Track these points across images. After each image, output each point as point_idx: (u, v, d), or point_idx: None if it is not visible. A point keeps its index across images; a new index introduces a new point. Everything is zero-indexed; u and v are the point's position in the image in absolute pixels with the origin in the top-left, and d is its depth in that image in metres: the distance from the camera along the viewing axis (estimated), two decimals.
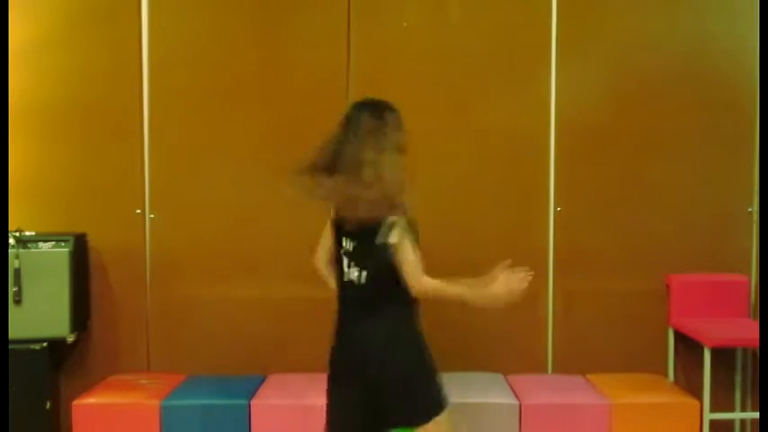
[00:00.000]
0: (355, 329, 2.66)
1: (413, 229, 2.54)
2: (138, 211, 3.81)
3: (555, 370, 3.88)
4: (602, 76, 3.88)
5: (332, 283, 2.80)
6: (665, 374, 3.84)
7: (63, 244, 3.57)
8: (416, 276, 2.49)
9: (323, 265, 2.81)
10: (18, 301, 3.51)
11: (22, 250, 3.53)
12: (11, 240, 3.52)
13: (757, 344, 3.42)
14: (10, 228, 3.55)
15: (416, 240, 2.54)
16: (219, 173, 3.83)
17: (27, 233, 3.59)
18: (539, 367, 3.88)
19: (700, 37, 3.86)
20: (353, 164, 2.52)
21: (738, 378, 3.88)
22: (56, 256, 3.55)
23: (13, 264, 3.50)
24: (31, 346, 3.53)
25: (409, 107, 3.79)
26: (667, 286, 3.85)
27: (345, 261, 2.65)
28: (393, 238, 2.47)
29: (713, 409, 3.57)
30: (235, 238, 3.84)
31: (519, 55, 3.85)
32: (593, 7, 3.86)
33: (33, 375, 3.51)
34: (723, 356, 3.76)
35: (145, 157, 3.81)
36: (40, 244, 3.56)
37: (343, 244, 2.65)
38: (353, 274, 2.62)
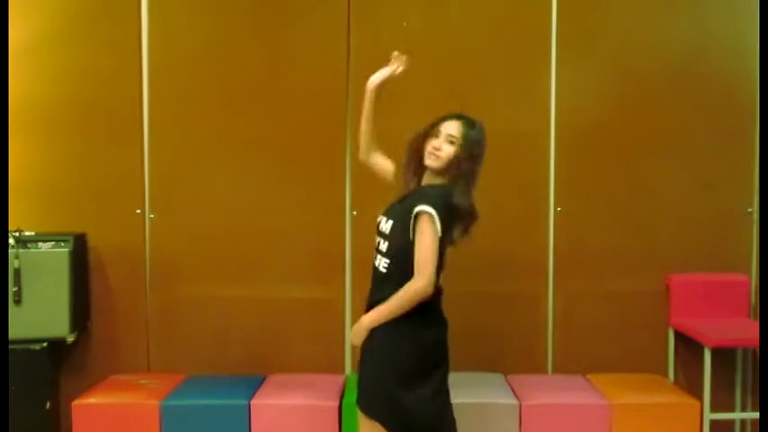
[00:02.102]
0: None
1: None
2: (138, 211, 3.82)
3: (555, 370, 3.88)
4: (602, 75, 3.88)
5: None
6: (665, 374, 3.84)
7: (63, 244, 3.57)
8: None
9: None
10: (18, 301, 3.51)
11: (22, 250, 3.53)
12: (11, 240, 3.52)
13: (757, 344, 3.42)
14: (10, 228, 3.55)
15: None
16: (219, 173, 3.83)
17: (27, 233, 3.59)
18: (539, 367, 3.88)
19: (700, 36, 3.86)
20: None
21: (738, 378, 3.88)
22: (56, 256, 3.56)
23: (13, 264, 3.51)
24: (31, 346, 3.53)
25: (409, 107, 3.82)
26: (667, 286, 3.85)
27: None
28: None
29: (713, 409, 3.57)
30: (235, 238, 3.84)
31: (519, 55, 3.85)
32: (593, 7, 3.86)
33: (33, 375, 3.52)
34: (723, 356, 3.75)
35: (145, 157, 3.81)
36: (40, 244, 3.56)
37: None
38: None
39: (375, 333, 2.73)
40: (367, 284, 3.83)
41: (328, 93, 3.81)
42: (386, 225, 2.77)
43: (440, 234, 2.65)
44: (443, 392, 2.77)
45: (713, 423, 3.56)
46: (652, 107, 3.86)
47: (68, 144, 3.81)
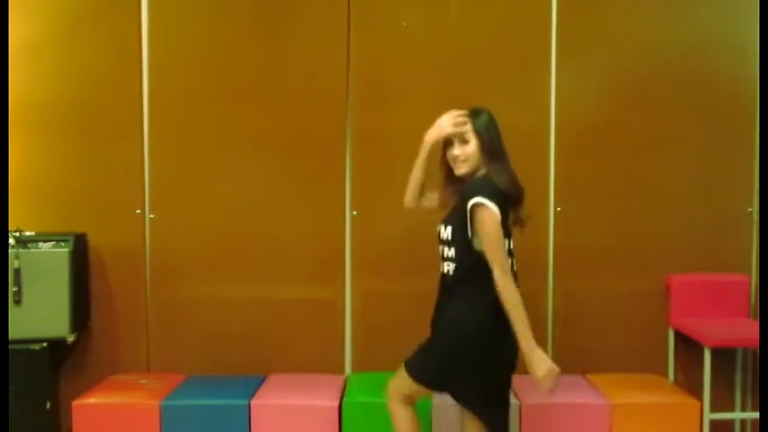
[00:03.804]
0: None
1: None
2: (138, 211, 3.82)
3: None
4: (601, 75, 3.88)
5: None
6: (665, 374, 3.84)
7: (63, 244, 3.57)
8: None
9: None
10: (18, 301, 3.51)
11: (22, 250, 3.53)
12: (11, 240, 3.52)
13: (757, 344, 3.42)
14: (10, 228, 3.55)
15: None
16: (219, 173, 3.83)
17: (27, 233, 3.59)
18: None
19: (699, 36, 3.86)
20: None
21: (738, 378, 3.88)
22: (56, 256, 3.55)
23: (13, 264, 3.50)
24: (31, 346, 3.52)
25: (409, 107, 3.83)
26: (667, 286, 3.85)
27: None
28: None
29: (713, 409, 3.57)
30: (235, 238, 3.84)
31: (519, 55, 3.85)
32: (593, 7, 3.86)
33: (33, 375, 3.51)
34: (723, 356, 3.75)
35: (145, 157, 3.81)
36: (40, 244, 3.56)
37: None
38: None
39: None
40: (367, 284, 3.87)
41: (328, 93, 3.81)
42: (445, 232, 2.79)
43: (499, 218, 2.66)
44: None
45: (713, 423, 3.56)
46: (652, 107, 3.86)
47: (68, 144, 3.81)
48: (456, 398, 2.86)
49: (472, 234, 2.69)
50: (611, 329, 3.86)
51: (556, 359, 3.85)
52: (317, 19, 3.81)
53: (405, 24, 3.81)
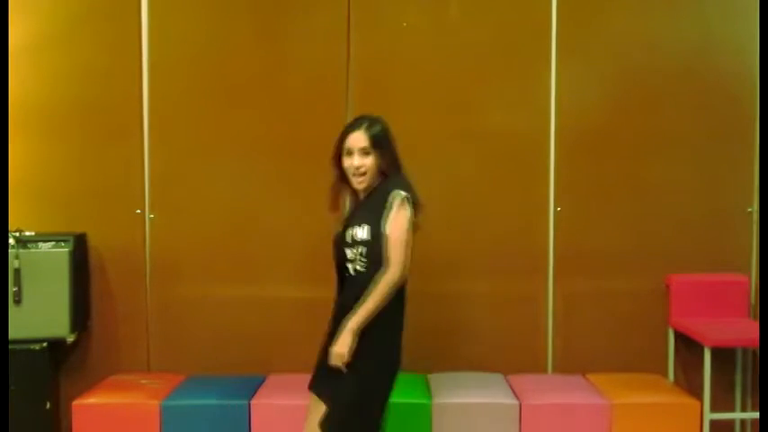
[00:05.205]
0: None
1: None
2: (138, 211, 3.82)
3: (555, 370, 3.88)
4: (602, 76, 3.88)
5: None
6: (665, 374, 3.84)
7: (63, 244, 3.57)
8: None
9: None
10: (18, 301, 3.51)
11: (22, 250, 3.53)
12: (11, 240, 3.52)
13: (757, 344, 3.43)
14: (10, 228, 3.55)
15: None
16: (219, 173, 3.83)
17: (27, 233, 3.59)
18: (539, 367, 3.88)
19: (700, 37, 3.86)
20: None
21: (738, 378, 3.88)
22: (56, 256, 3.56)
23: (13, 264, 3.51)
24: (31, 346, 3.53)
25: (409, 107, 3.83)
26: (667, 286, 3.85)
27: None
28: None
29: (713, 409, 3.57)
30: (235, 237, 3.84)
31: (519, 55, 3.85)
32: (594, 7, 3.86)
33: (33, 375, 3.52)
34: (723, 356, 3.75)
35: (145, 157, 3.81)
36: (40, 244, 3.56)
37: None
38: None
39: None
40: None
41: (328, 93, 3.81)
42: (362, 231, 2.74)
43: (413, 218, 2.67)
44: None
45: (713, 423, 3.57)
46: (652, 107, 3.86)
47: (68, 144, 3.81)
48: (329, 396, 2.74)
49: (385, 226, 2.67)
50: (611, 329, 3.86)
51: (556, 359, 3.89)
52: (317, 19, 3.81)
53: (405, 24, 3.81)
